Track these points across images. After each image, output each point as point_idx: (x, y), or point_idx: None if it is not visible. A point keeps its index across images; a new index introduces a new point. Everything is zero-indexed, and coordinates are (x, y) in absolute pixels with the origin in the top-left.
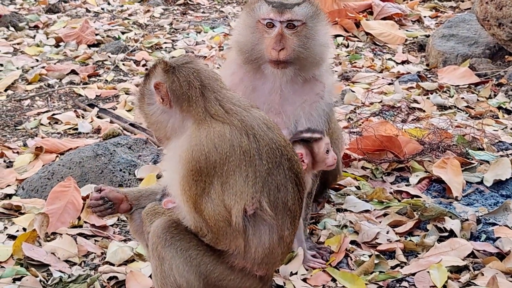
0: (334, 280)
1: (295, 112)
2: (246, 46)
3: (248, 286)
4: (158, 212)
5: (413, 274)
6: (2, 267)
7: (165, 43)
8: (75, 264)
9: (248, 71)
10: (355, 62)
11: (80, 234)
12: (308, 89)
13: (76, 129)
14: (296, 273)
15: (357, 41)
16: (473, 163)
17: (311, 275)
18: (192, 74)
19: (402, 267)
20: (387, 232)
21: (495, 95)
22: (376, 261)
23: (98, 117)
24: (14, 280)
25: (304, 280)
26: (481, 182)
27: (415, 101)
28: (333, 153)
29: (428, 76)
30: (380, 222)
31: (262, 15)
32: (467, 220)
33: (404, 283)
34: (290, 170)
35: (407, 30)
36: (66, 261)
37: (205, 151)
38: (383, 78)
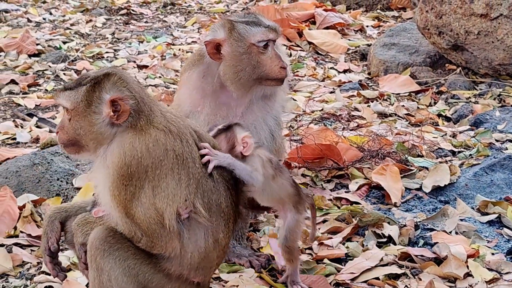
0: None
1: (254, 123)
2: (245, 72)
3: None
4: (89, 222)
5: (353, 279)
6: None
7: (106, 52)
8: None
9: (214, 89)
10: (297, 71)
11: (16, 244)
12: (268, 102)
13: (15, 139)
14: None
15: (300, 50)
16: (412, 170)
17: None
18: (142, 91)
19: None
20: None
21: (435, 103)
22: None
23: (37, 126)
24: None
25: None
26: (420, 188)
27: (356, 109)
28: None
29: (370, 84)
30: (319, 228)
31: (259, 37)
32: (405, 225)
33: None
34: (222, 174)
35: (349, 40)
36: (1, 275)
37: (138, 156)
38: (324, 86)
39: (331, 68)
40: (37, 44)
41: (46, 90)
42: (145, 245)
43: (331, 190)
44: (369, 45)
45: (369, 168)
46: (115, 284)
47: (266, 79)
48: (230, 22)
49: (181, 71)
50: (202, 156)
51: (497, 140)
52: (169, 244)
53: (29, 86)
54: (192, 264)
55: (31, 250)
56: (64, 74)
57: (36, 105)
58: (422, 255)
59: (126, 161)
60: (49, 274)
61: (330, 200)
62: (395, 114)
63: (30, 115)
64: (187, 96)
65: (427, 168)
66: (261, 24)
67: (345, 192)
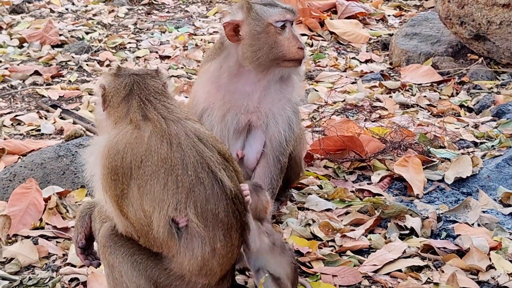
0: None
1: (272, 109)
2: (261, 52)
3: None
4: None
5: (376, 271)
6: None
7: (129, 43)
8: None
9: (231, 76)
10: (319, 61)
11: (42, 236)
12: (285, 87)
13: (39, 130)
14: None
15: (321, 40)
16: (434, 161)
17: None
18: (126, 83)
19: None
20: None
21: (457, 93)
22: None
23: (61, 118)
24: None
25: None
26: (442, 180)
27: (378, 99)
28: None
29: (391, 74)
30: (341, 220)
31: (276, 17)
32: (427, 217)
33: (364, 280)
34: (221, 182)
35: (371, 29)
36: (27, 267)
37: (120, 150)
38: (346, 77)
39: (352, 58)
40: (60, 35)
41: (69, 81)
42: (143, 244)
43: (353, 181)
44: (391, 35)
45: (391, 159)
46: (127, 279)
47: (284, 60)
48: (248, 3)
49: (201, 62)
50: (200, 163)
51: None
52: (164, 245)
53: (52, 77)
54: (192, 270)
55: (57, 242)
56: (87, 65)
57: (59, 96)
58: (444, 247)
59: (110, 153)
60: (75, 266)
61: (353, 192)
62: (417, 105)
63: (54, 106)
64: (202, 89)
65: (449, 160)
66: (278, 6)
67: (367, 183)
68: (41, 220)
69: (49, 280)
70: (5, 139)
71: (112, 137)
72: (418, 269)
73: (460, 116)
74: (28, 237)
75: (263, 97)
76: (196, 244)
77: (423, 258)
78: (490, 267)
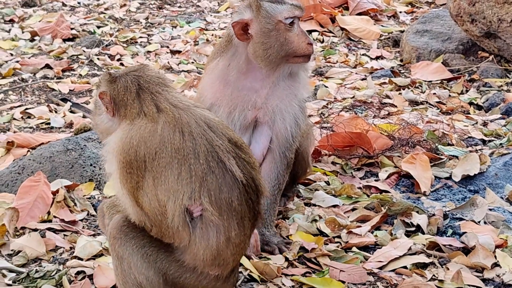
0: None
1: (279, 105)
2: (273, 49)
3: (206, 284)
4: (116, 205)
5: (381, 268)
6: None
7: (140, 37)
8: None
9: (240, 73)
10: (329, 57)
11: (49, 229)
12: (292, 83)
13: (49, 123)
14: None
15: (332, 36)
16: (442, 159)
17: None
18: (131, 81)
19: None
20: (357, 227)
21: (467, 91)
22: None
23: (71, 111)
24: None
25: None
26: (449, 178)
27: (387, 96)
28: None
29: (402, 71)
30: (348, 217)
31: (286, 14)
32: (434, 215)
33: (369, 277)
34: (230, 171)
35: (382, 26)
36: (34, 259)
37: (134, 145)
38: (356, 73)
39: (363, 54)
40: (72, 29)
41: (80, 75)
42: (155, 234)
43: (360, 178)
44: (402, 32)
45: (399, 156)
46: (135, 270)
47: (294, 56)
48: (257, 1)
49: (208, 59)
50: (210, 152)
51: None
52: (176, 235)
53: (63, 70)
54: (206, 260)
55: (64, 235)
56: (98, 59)
57: (70, 90)
58: (450, 245)
59: (124, 149)
60: (82, 259)
61: (360, 188)
62: (427, 102)
63: (64, 100)
64: (209, 86)
65: (457, 157)
66: (286, 3)
67: (375, 180)
68: (49, 213)
69: (55, 273)
70: (14, 132)
71: (126, 133)
72: (424, 266)
73: (469, 113)
74: (35, 230)
75: (270, 93)
76: (211, 233)
77: (428, 255)
78: (496, 264)
